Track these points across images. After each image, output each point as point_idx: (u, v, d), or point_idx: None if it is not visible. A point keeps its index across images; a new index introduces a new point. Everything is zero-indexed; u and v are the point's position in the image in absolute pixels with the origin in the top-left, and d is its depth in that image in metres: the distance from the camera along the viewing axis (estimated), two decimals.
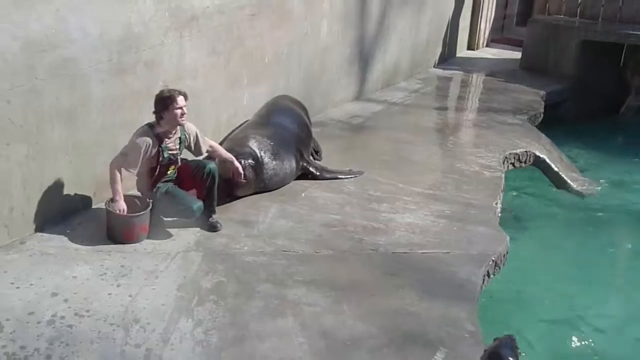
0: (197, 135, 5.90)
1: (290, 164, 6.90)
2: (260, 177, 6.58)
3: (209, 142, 6.07)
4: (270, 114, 7.49)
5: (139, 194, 5.82)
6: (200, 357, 4.25)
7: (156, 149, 5.58)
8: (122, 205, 5.53)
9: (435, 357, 3.78)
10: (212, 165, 5.89)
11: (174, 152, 5.74)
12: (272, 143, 6.76)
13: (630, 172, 10.10)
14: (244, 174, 6.30)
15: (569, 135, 10.90)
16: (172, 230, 5.80)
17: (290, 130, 7.29)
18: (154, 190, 5.73)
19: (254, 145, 6.63)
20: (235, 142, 6.73)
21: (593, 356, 5.85)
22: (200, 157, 6.15)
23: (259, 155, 6.57)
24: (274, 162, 6.69)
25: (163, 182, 5.76)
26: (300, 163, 7.10)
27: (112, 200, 5.57)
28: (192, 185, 5.89)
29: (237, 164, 6.19)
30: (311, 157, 7.55)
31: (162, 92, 5.62)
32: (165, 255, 5.42)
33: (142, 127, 5.63)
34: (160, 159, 5.64)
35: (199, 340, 4.40)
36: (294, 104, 8.03)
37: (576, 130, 11.36)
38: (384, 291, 5.16)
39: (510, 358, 3.81)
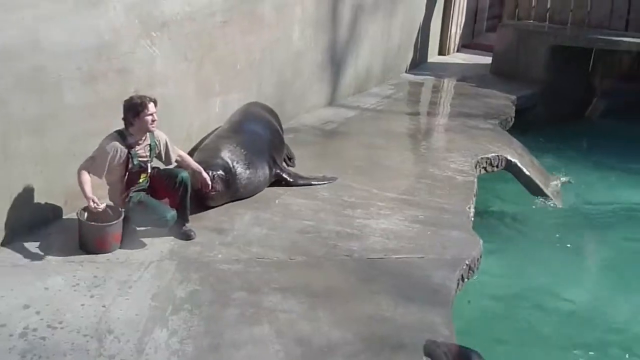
0: (167, 143, 5.86)
1: (263, 172, 6.88)
2: (234, 187, 6.55)
3: (178, 151, 6.02)
4: (242, 121, 7.47)
5: (111, 203, 5.76)
6: None
7: (125, 155, 5.54)
8: (94, 201, 5.39)
9: None
10: (184, 174, 5.84)
11: (144, 159, 5.69)
12: (244, 152, 6.73)
13: (600, 175, 10.25)
14: (213, 186, 6.25)
15: (539, 139, 11.02)
16: (145, 240, 5.74)
17: (263, 138, 7.28)
18: (127, 199, 5.68)
19: (226, 155, 6.60)
20: (207, 153, 6.69)
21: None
22: (171, 166, 6.10)
23: (231, 166, 6.53)
24: (247, 171, 6.66)
25: (135, 191, 5.72)
26: (274, 170, 7.08)
27: (86, 208, 5.50)
28: (165, 194, 5.84)
29: (205, 175, 6.12)
30: (284, 164, 7.54)
31: (132, 98, 5.57)
32: (138, 264, 5.37)
33: (112, 133, 5.59)
34: (130, 165, 5.60)
35: (174, 349, 4.36)
36: (266, 110, 8.02)
37: (546, 134, 11.49)
38: (359, 297, 5.16)
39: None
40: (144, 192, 5.78)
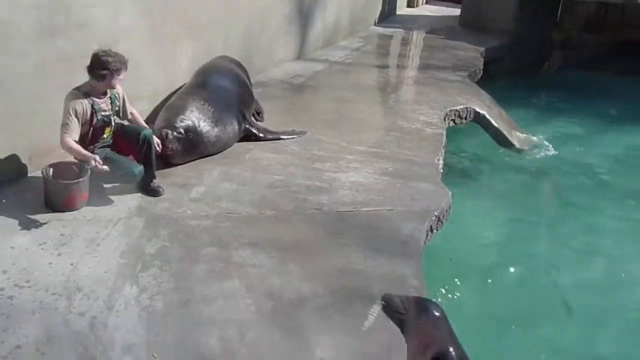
0: (124, 98, 5.82)
1: (232, 128, 6.81)
2: (202, 145, 6.47)
3: (131, 108, 5.96)
4: (209, 76, 7.35)
5: (76, 160, 5.66)
6: (146, 323, 4.21)
7: (90, 110, 5.46)
8: (97, 160, 5.34)
9: (372, 309, 3.80)
10: (147, 131, 5.77)
11: (107, 112, 5.61)
12: (212, 109, 6.63)
13: (566, 126, 10.36)
14: (166, 145, 6.12)
15: (507, 91, 11.06)
16: (112, 197, 5.69)
17: (231, 92, 7.19)
18: None
19: (192, 114, 6.48)
20: (172, 111, 6.56)
21: (525, 309, 6.01)
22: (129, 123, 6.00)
23: (197, 125, 6.42)
24: (215, 129, 6.58)
25: (100, 147, 5.64)
26: (243, 125, 7.02)
27: (52, 165, 5.40)
28: (129, 151, 5.77)
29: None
30: (253, 119, 7.48)
31: (109, 54, 5.43)
32: (106, 221, 5.33)
33: (72, 91, 5.47)
34: (94, 121, 5.52)
35: (145, 306, 4.35)
36: (234, 64, 7.91)
37: (514, 86, 11.54)
38: (329, 250, 5.18)
39: (436, 312, 3.64)
40: (109, 149, 5.70)
